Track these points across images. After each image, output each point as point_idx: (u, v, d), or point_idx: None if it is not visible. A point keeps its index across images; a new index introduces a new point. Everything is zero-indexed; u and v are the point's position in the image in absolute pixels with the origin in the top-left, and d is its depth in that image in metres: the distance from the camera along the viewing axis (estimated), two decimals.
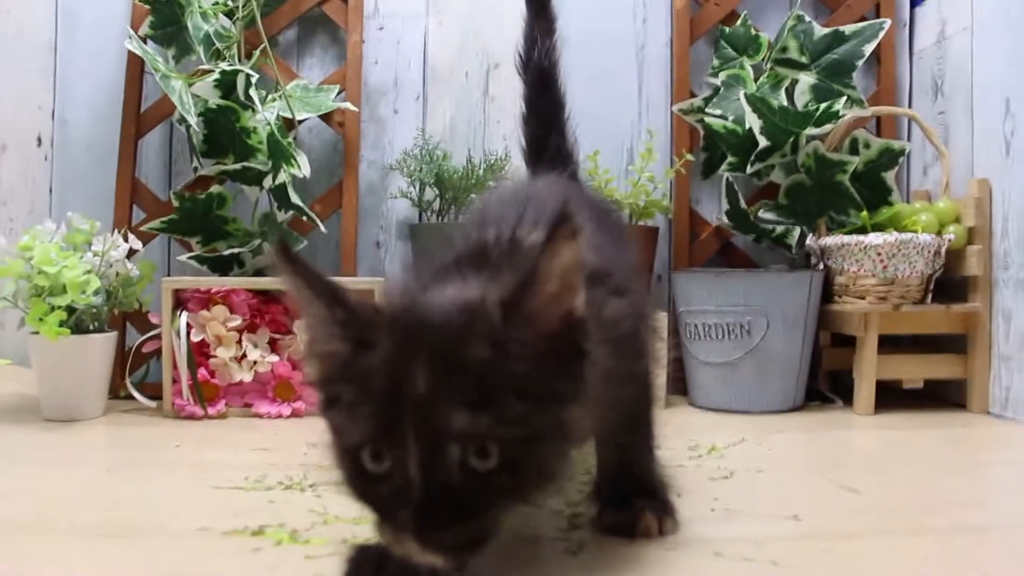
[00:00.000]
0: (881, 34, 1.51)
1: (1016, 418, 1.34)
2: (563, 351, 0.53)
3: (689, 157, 1.54)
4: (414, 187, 1.52)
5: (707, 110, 1.54)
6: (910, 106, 1.64)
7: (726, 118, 1.51)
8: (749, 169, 1.49)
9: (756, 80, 1.55)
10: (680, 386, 1.51)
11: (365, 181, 1.61)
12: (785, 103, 1.49)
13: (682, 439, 1.16)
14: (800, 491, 0.94)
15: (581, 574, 0.66)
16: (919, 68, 1.64)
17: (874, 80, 1.65)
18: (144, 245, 1.45)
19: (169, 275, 1.49)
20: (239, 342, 1.35)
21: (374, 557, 0.60)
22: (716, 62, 1.60)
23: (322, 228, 1.48)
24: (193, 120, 1.37)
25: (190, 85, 1.39)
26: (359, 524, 0.74)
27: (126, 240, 1.36)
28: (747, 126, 1.46)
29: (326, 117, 1.55)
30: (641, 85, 1.65)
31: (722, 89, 1.54)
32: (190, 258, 1.44)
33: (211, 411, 1.31)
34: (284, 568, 0.68)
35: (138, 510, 0.85)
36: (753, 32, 1.59)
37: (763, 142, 1.45)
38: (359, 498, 0.54)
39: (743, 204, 1.52)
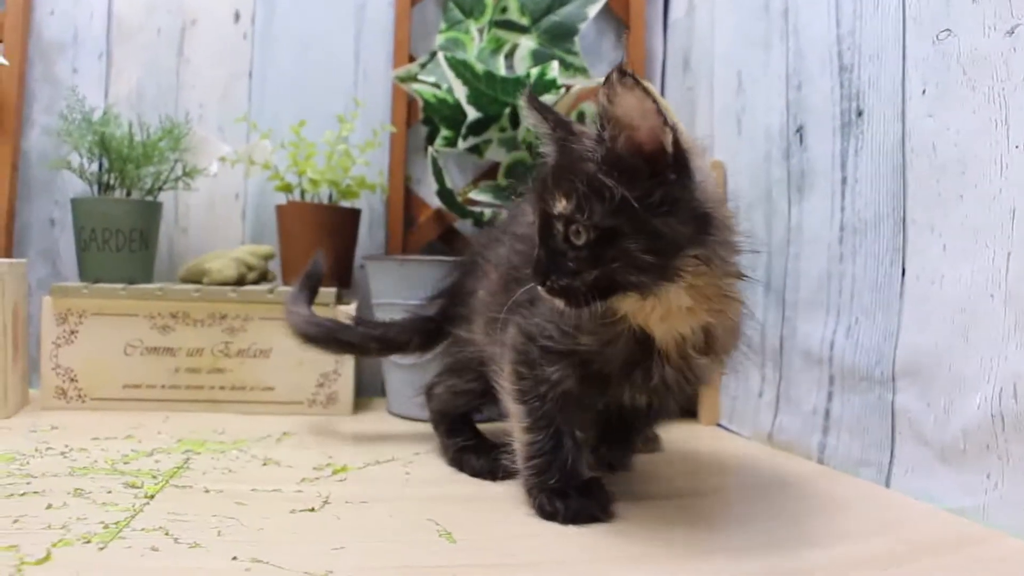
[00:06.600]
0: None
1: (740, 431, 1.19)
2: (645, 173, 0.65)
3: (391, 129, 1.35)
4: (81, 156, 1.31)
5: (420, 77, 1.35)
6: (663, 80, 1.48)
7: (439, 87, 1.32)
8: (461, 144, 1.30)
9: None
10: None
11: (37, 149, 1.40)
12: (503, 70, 1.31)
13: (318, 453, 1.00)
14: (381, 532, 0.72)
15: None
16: (672, 40, 1.47)
17: (625, 52, 1.48)
18: None
19: None
20: None
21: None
22: (443, 25, 1.42)
23: None
24: None
25: None
26: None
27: None
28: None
29: None
30: (359, 50, 1.46)
31: (438, 54, 1.35)
32: None
33: None
34: None
35: None
36: None
37: (472, 113, 1.27)
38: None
39: (449, 184, 1.33)
